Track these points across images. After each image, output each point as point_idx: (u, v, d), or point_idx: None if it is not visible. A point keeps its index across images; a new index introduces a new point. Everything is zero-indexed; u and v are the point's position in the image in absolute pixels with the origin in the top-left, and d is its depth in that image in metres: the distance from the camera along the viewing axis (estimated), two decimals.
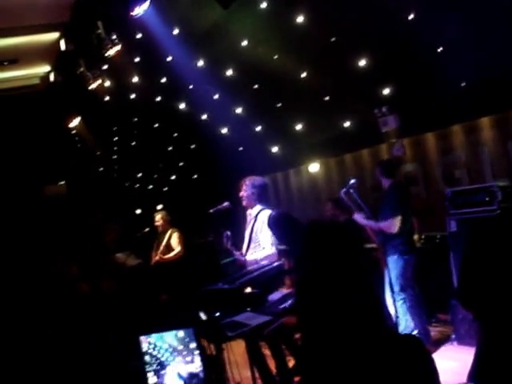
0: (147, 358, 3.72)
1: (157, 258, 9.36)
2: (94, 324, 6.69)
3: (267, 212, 6.04)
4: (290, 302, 4.98)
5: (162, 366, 3.71)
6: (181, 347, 3.65)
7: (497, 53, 6.30)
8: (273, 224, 5.39)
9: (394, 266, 6.31)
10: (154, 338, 3.73)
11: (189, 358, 3.63)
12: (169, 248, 9.45)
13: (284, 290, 6.04)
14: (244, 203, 6.23)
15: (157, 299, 9.05)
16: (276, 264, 5.60)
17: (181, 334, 3.66)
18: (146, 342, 3.74)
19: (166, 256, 9.36)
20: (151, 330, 3.78)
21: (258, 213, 6.11)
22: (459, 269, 6.18)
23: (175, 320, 5.12)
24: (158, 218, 9.67)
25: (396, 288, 6.25)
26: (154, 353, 3.69)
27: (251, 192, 6.13)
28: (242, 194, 6.19)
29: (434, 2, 6.51)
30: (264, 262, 5.81)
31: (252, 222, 6.15)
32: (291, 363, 5.85)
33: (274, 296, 5.23)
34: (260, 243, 6.02)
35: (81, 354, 5.97)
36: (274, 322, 4.80)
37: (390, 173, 6.52)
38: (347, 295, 2.31)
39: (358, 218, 6.49)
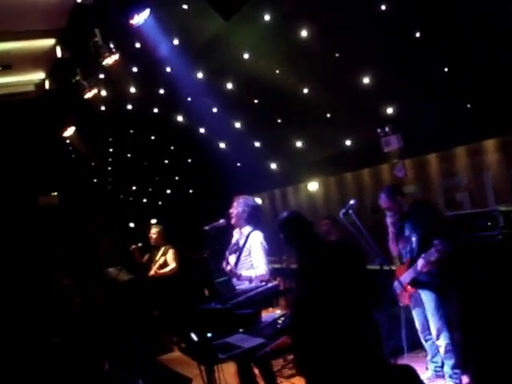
0: None
1: (152, 272, 9.45)
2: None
3: (258, 234, 5.96)
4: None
5: None
6: None
7: (503, 75, 6.22)
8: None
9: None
10: None
11: None
12: (164, 263, 9.50)
13: (278, 311, 5.90)
14: (233, 221, 6.11)
15: (149, 316, 8.97)
16: (271, 284, 5.50)
17: None
18: None
19: (161, 271, 9.43)
20: None
21: (249, 233, 5.97)
22: None
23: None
24: (155, 232, 9.74)
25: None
26: None
27: (242, 210, 6.03)
28: (233, 211, 6.09)
29: (439, 21, 6.41)
30: (257, 282, 5.70)
31: (243, 241, 5.99)
32: None
33: (268, 318, 5.08)
34: (252, 264, 5.85)
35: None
36: (267, 345, 4.64)
37: None
38: (345, 317, 2.26)
39: None
